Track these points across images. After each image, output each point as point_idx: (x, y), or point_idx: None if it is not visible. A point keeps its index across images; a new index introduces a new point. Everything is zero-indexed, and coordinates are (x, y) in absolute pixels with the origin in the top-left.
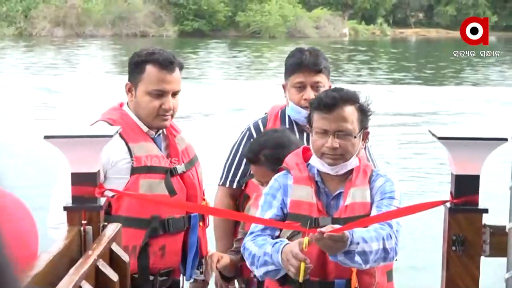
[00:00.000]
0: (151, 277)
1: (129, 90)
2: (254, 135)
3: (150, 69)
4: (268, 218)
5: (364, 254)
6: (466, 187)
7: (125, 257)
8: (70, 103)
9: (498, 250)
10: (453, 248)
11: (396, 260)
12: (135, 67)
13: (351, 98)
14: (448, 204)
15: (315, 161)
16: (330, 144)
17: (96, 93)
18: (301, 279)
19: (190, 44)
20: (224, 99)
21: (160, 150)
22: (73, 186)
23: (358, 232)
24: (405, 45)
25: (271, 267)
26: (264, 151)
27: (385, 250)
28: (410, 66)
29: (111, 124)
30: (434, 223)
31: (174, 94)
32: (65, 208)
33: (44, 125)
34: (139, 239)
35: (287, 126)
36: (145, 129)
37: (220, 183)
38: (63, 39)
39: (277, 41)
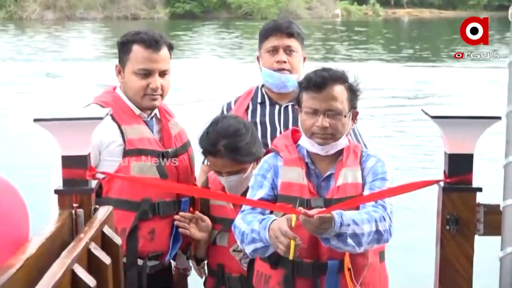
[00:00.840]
0: (141, 261)
1: (119, 72)
2: (225, 113)
3: (136, 49)
4: (259, 197)
5: (356, 236)
6: (459, 166)
7: (117, 239)
8: (61, 87)
9: (492, 229)
10: (447, 227)
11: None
12: (122, 48)
13: (340, 77)
14: (441, 183)
15: (304, 141)
16: (320, 124)
17: (88, 76)
18: (291, 257)
19: (182, 26)
20: (215, 82)
21: (153, 133)
22: (63, 169)
23: (348, 214)
24: (398, 25)
25: (259, 244)
26: (222, 142)
27: (378, 232)
28: (403, 45)
29: (103, 107)
30: (427, 202)
31: (163, 73)
32: (56, 191)
33: (36, 109)
34: (129, 221)
35: (259, 100)
36: (137, 111)
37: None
38: (53, 22)
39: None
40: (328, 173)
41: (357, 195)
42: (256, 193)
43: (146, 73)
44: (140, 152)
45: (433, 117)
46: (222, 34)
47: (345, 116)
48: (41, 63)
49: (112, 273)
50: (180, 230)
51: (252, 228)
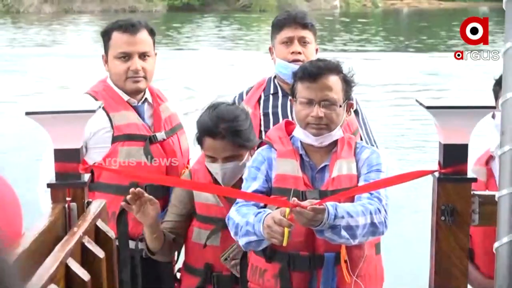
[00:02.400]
0: (132, 244)
1: (105, 62)
2: (237, 104)
3: (114, 35)
4: (253, 189)
5: (350, 228)
6: (454, 156)
7: (110, 233)
8: (58, 80)
9: (487, 219)
10: (442, 218)
11: None
12: (104, 37)
13: (335, 68)
14: (436, 174)
15: (299, 132)
16: (316, 113)
17: (84, 68)
18: (285, 243)
19: (180, 18)
20: (214, 73)
21: (144, 118)
22: (56, 163)
23: (342, 206)
24: (397, 16)
25: (253, 238)
26: (223, 124)
27: (373, 224)
28: (402, 36)
29: (94, 97)
30: (422, 193)
31: (143, 55)
32: (49, 185)
33: (30, 103)
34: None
35: (271, 91)
36: (126, 97)
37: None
38: (51, 15)
39: (268, 14)
40: (322, 164)
41: (352, 187)
42: (251, 185)
43: (126, 56)
44: (127, 137)
45: (428, 108)
46: (220, 27)
47: (340, 106)
48: (37, 57)
49: (106, 266)
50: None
51: (247, 221)
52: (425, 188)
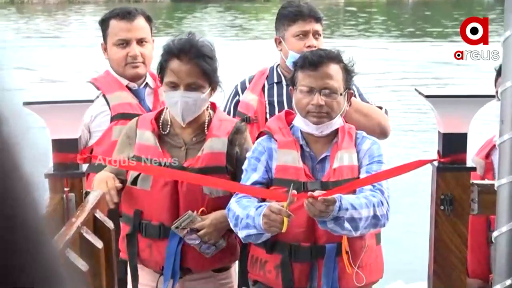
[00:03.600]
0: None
1: (104, 50)
2: (240, 92)
3: (112, 23)
4: (253, 181)
5: (353, 220)
6: (453, 145)
7: (109, 223)
8: (62, 71)
9: (486, 208)
10: (442, 207)
11: None
12: (102, 26)
13: (336, 57)
14: (435, 163)
15: (299, 121)
16: (316, 101)
17: (87, 58)
18: (284, 230)
19: (184, 8)
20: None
21: (144, 101)
22: (54, 153)
23: (346, 199)
24: (402, 6)
25: (253, 231)
26: (193, 48)
27: (375, 217)
28: (407, 26)
29: (94, 84)
30: (421, 183)
31: (140, 41)
32: (47, 176)
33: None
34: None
35: (275, 80)
36: (125, 82)
37: None
38: (55, 5)
39: (272, 4)
40: (323, 155)
41: (353, 178)
42: (250, 176)
43: (124, 43)
44: (122, 116)
45: (427, 97)
46: (224, 16)
47: (340, 95)
48: (40, 48)
49: (105, 257)
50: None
51: (248, 214)
52: (424, 177)
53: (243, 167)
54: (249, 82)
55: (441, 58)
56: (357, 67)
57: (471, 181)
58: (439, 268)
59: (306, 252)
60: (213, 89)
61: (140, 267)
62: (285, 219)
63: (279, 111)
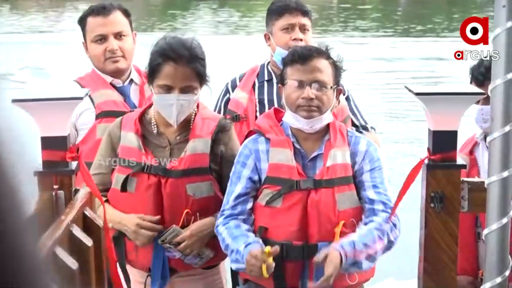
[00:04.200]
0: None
1: (86, 48)
2: (230, 90)
3: (89, 20)
4: (237, 193)
5: (370, 256)
6: (443, 143)
7: (98, 221)
8: (55, 68)
9: (476, 206)
10: (432, 205)
11: None
12: (81, 25)
13: (325, 52)
14: (426, 161)
15: (289, 117)
16: (307, 95)
17: (78, 55)
18: (265, 275)
19: (178, 5)
20: (212, 58)
21: (129, 97)
22: (43, 151)
23: (359, 238)
24: (395, 3)
25: (242, 266)
26: (185, 50)
27: (389, 242)
28: (401, 22)
29: (79, 83)
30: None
31: (118, 35)
32: (36, 173)
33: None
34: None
35: (266, 78)
36: (109, 79)
37: None
38: (49, 1)
39: (266, 1)
40: (315, 153)
41: (346, 176)
42: (234, 189)
43: (101, 38)
44: (106, 114)
45: (417, 94)
46: (218, 12)
47: (330, 88)
48: (34, 44)
49: (94, 254)
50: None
51: (238, 249)
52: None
53: (231, 174)
54: (240, 80)
55: (435, 54)
56: (349, 65)
57: (461, 179)
58: (429, 266)
59: (298, 251)
60: (201, 86)
61: (128, 266)
62: (264, 266)
63: (269, 109)
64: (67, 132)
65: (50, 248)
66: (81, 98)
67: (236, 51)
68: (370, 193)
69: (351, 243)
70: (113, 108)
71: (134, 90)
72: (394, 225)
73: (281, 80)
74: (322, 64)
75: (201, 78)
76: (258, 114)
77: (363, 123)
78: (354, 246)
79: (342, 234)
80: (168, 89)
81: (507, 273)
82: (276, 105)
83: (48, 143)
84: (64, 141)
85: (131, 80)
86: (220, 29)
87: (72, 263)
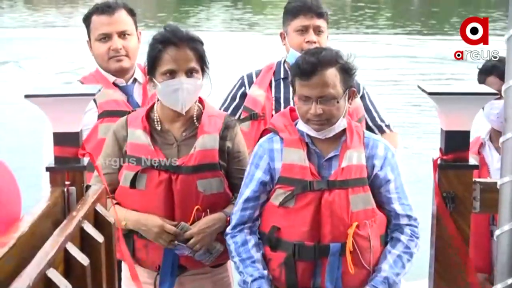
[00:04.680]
0: None
1: (90, 47)
2: (246, 84)
3: (94, 19)
4: (246, 197)
5: (399, 277)
6: (456, 143)
7: (110, 218)
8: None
9: (488, 207)
10: (444, 205)
11: None
12: (85, 24)
13: (330, 60)
14: (438, 161)
15: (302, 126)
16: (314, 111)
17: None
18: None
19: (190, 2)
20: (225, 55)
21: (132, 97)
22: (55, 147)
23: (390, 270)
24: (408, 2)
25: None
26: (185, 34)
27: (413, 254)
28: (415, 21)
29: (82, 83)
30: (421, 181)
31: (122, 34)
32: (48, 169)
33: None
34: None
35: (282, 76)
36: (112, 79)
37: None
38: None
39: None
40: (332, 154)
41: (361, 178)
42: (244, 191)
43: (105, 37)
44: (107, 114)
45: (430, 94)
46: (231, 10)
47: (338, 101)
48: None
49: (105, 251)
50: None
51: (245, 280)
52: (425, 175)
53: (245, 174)
54: (256, 76)
55: (448, 54)
56: (363, 62)
57: (473, 179)
58: (440, 266)
59: (310, 251)
60: (203, 76)
61: (137, 267)
62: None
63: (285, 108)
64: (79, 128)
65: (62, 244)
66: (93, 95)
67: (249, 49)
68: (396, 207)
69: (384, 280)
70: (115, 107)
71: (138, 89)
72: (416, 236)
73: (292, 86)
74: (329, 75)
75: (203, 62)
76: (274, 112)
77: (379, 123)
78: (388, 281)
79: (355, 235)
80: (171, 74)
81: None
82: (291, 103)
83: (60, 139)
84: (76, 137)
85: (135, 79)
86: (232, 25)
87: (83, 259)
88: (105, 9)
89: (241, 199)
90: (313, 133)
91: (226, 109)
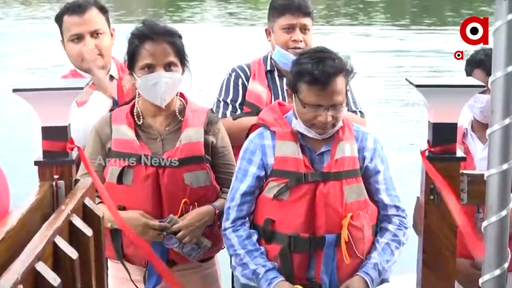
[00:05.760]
0: None
1: (64, 47)
2: (241, 75)
3: (65, 19)
4: (242, 192)
5: (391, 264)
6: (443, 135)
7: (98, 211)
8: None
9: (475, 198)
10: (431, 197)
11: None
12: (57, 23)
13: (341, 69)
14: (426, 153)
15: (300, 127)
16: (325, 119)
17: None
18: None
19: None
20: (219, 50)
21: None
22: (44, 140)
23: (380, 257)
24: None
25: (253, 284)
26: (162, 28)
27: (403, 244)
28: (409, 15)
29: None
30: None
31: (95, 33)
32: (36, 163)
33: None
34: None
35: (269, 68)
36: (89, 77)
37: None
38: None
39: None
40: (323, 149)
41: (354, 169)
42: (240, 186)
43: (78, 37)
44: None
45: (417, 86)
46: (223, 4)
47: (343, 106)
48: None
49: (94, 245)
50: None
51: (255, 270)
52: (412, 167)
53: (236, 169)
54: (248, 69)
55: (442, 48)
56: (356, 57)
57: (460, 171)
58: (428, 257)
59: (305, 243)
60: (183, 70)
61: (126, 263)
62: None
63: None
64: (68, 122)
65: (50, 238)
66: (81, 88)
67: (241, 42)
68: (384, 197)
69: (374, 267)
70: None
71: (113, 86)
72: (405, 226)
73: (293, 89)
74: (339, 84)
75: (181, 55)
76: None
77: (353, 109)
78: (378, 267)
79: (349, 226)
80: (150, 68)
81: (506, 265)
82: (280, 96)
83: (49, 133)
84: (64, 131)
85: (111, 76)
86: (227, 20)
87: (72, 253)
88: (76, 9)
89: (237, 193)
90: (312, 135)
91: (233, 100)
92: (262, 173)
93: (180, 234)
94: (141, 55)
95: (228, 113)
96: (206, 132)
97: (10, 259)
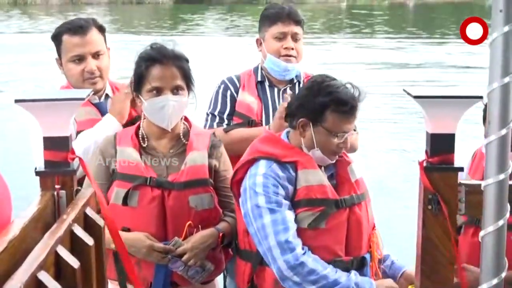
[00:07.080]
0: None
1: (60, 65)
2: (230, 86)
3: (65, 38)
4: (290, 218)
5: None
6: (441, 146)
7: (100, 221)
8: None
9: (473, 209)
10: (429, 207)
11: None
12: (55, 41)
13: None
14: (424, 163)
15: (318, 155)
16: (345, 146)
17: None
18: None
19: (186, 11)
20: (220, 62)
21: (106, 112)
22: (45, 151)
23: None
24: (403, 9)
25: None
26: (170, 51)
27: None
28: (411, 27)
29: None
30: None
31: (96, 55)
32: (37, 173)
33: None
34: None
35: (259, 79)
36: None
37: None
38: (58, 7)
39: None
40: (327, 172)
41: (366, 189)
42: (286, 215)
43: (79, 59)
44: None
45: (415, 97)
46: (227, 19)
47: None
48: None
49: (95, 254)
50: None
51: (337, 279)
52: (411, 178)
53: (263, 203)
54: (238, 81)
55: (442, 59)
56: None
57: (458, 181)
58: (427, 267)
59: (348, 266)
60: (189, 93)
61: (127, 286)
62: None
63: (273, 111)
64: (69, 133)
65: (52, 247)
66: (83, 99)
67: (242, 54)
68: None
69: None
70: (92, 126)
71: (110, 105)
72: None
73: (315, 118)
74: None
75: (188, 79)
76: (264, 116)
77: None
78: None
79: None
80: (157, 91)
81: (503, 274)
82: (270, 108)
83: (50, 143)
84: (66, 141)
85: (107, 95)
86: (229, 33)
87: (74, 262)
88: (78, 30)
89: (288, 223)
90: (324, 162)
91: (221, 112)
92: (290, 199)
93: (185, 257)
94: (149, 78)
95: (215, 124)
96: (210, 156)
97: (12, 268)
